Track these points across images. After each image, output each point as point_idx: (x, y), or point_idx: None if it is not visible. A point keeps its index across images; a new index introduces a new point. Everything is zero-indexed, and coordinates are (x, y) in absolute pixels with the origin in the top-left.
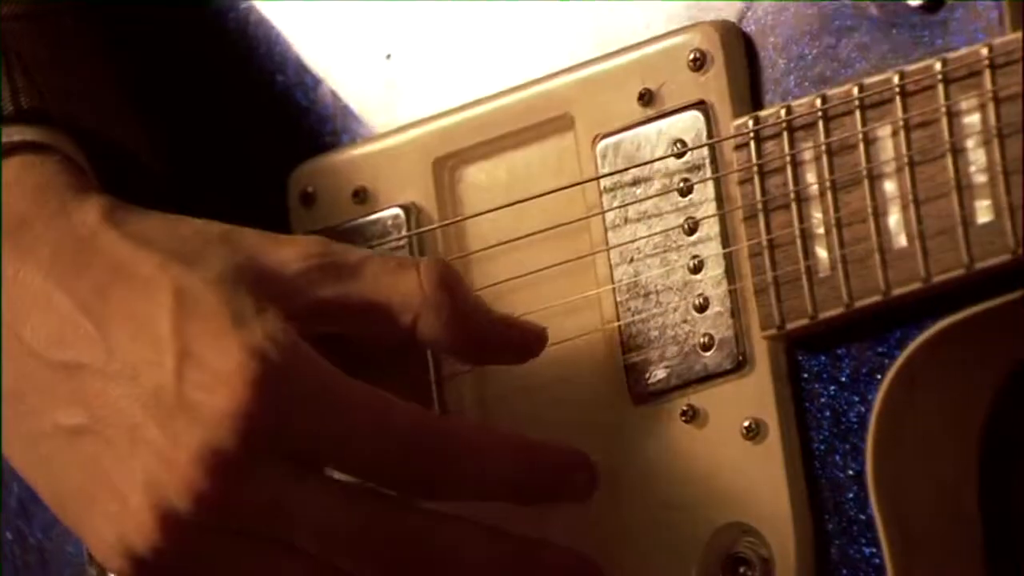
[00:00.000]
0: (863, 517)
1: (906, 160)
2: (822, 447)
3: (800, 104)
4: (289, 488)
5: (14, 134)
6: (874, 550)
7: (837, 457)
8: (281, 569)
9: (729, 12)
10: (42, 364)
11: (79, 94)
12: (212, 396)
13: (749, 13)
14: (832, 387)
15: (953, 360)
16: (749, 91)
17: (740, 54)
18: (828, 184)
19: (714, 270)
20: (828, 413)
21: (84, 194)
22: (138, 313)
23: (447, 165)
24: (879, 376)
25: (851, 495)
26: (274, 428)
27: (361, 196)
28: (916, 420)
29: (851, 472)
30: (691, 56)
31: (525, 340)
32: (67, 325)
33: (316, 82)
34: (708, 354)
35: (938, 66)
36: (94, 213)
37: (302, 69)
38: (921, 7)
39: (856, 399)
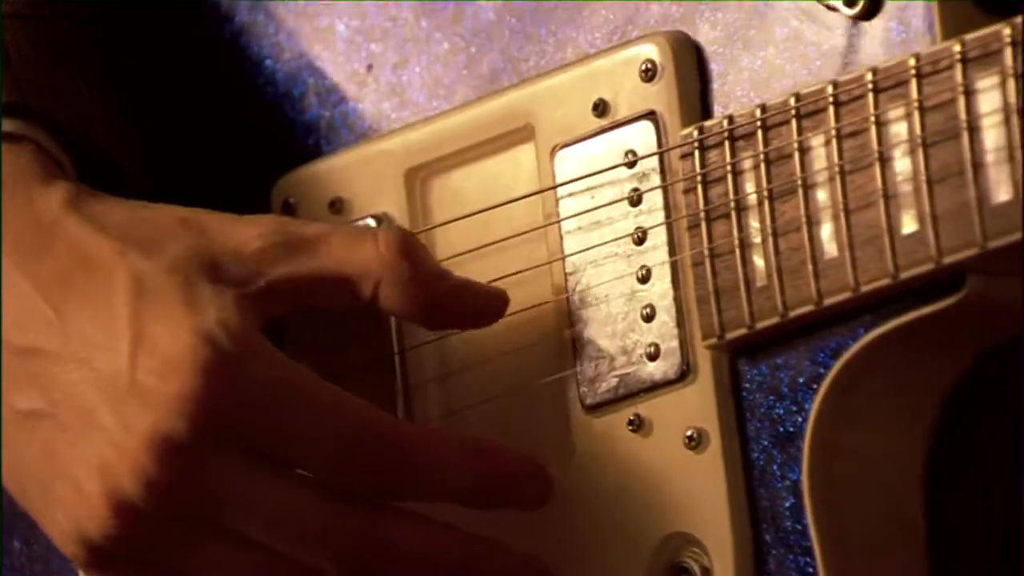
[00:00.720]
0: (799, 527)
1: (837, 169)
2: (762, 457)
3: (741, 114)
4: (241, 477)
5: None
6: (808, 559)
7: (776, 467)
8: (233, 559)
9: (683, 24)
10: (3, 349)
11: (60, 92)
12: (163, 381)
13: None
14: (772, 397)
15: (890, 368)
16: (699, 101)
17: (691, 65)
18: (765, 193)
19: (660, 279)
20: (768, 423)
21: (50, 182)
22: (95, 298)
23: (419, 176)
24: (816, 386)
25: (788, 504)
26: (224, 415)
27: (337, 206)
28: (856, 428)
29: (788, 482)
30: (643, 67)
31: (486, 303)
32: (27, 310)
33: (302, 94)
34: (654, 363)
35: (869, 76)
36: (57, 199)
37: (288, 81)
38: (856, 16)
39: (795, 409)
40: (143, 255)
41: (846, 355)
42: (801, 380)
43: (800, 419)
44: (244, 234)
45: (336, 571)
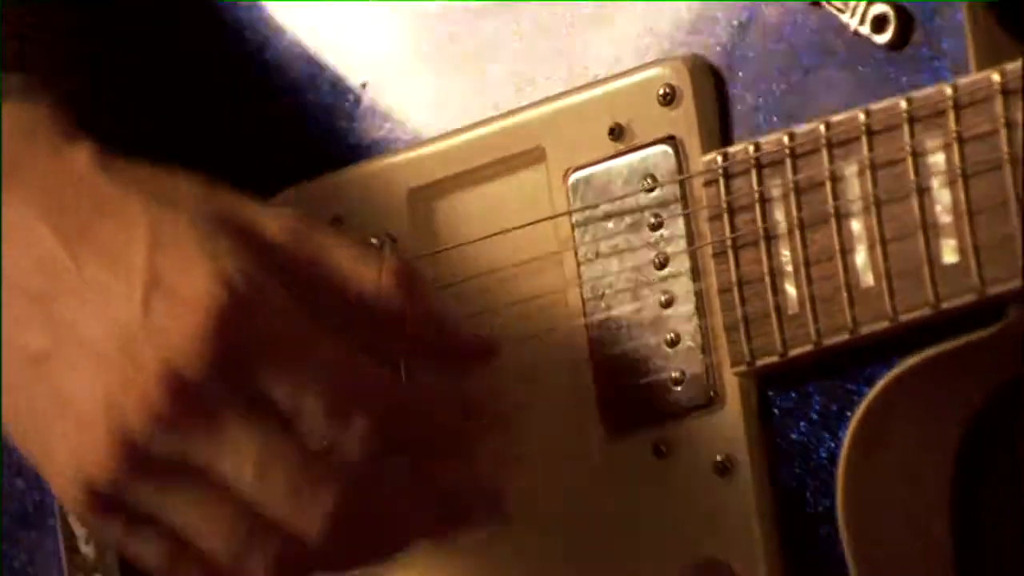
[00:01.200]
0: (833, 553)
1: (872, 199)
2: (793, 483)
3: (768, 141)
4: (243, 420)
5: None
6: None
7: (808, 494)
8: (215, 515)
9: (699, 47)
10: (17, 293)
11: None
12: (177, 321)
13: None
14: (803, 423)
15: (923, 395)
16: (719, 126)
17: (709, 89)
18: (796, 222)
19: (685, 305)
20: (799, 449)
21: (74, 138)
22: (115, 247)
23: (422, 196)
24: (849, 413)
25: (822, 532)
26: (235, 357)
27: (338, 225)
28: (887, 454)
29: (821, 508)
30: (661, 91)
31: (472, 350)
32: (46, 257)
33: (298, 111)
34: (679, 389)
35: (903, 104)
36: (84, 156)
37: (284, 98)
38: (887, 45)
39: (826, 436)
40: (166, 210)
41: (881, 383)
42: (834, 407)
43: (833, 445)
44: (264, 220)
45: (320, 529)
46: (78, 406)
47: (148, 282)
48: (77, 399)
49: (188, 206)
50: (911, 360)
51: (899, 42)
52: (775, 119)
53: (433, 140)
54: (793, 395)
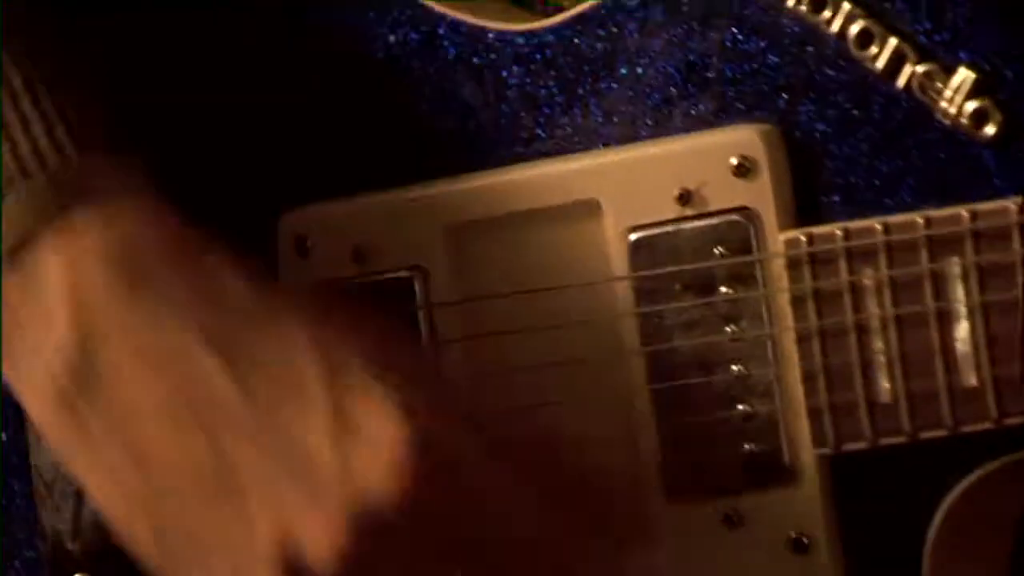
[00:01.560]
0: None
1: (979, 304)
2: (870, 565)
3: (859, 228)
4: (430, 564)
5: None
6: None
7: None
8: None
9: (776, 117)
10: (175, 419)
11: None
12: (368, 464)
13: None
14: (882, 504)
15: (1005, 486)
16: (794, 201)
17: (784, 161)
18: (893, 317)
19: (762, 384)
20: (877, 531)
21: (208, 250)
22: (286, 378)
23: (462, 233)
24: (934, 499)
25: None
26: (428, 504)
27: (362, 253)
28: (968, 540)
29: None
30: (734, 161)
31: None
32: (208, 383)
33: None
34: (753, 462)
35: (1013, 208)
36: (228, 271)
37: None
38: (991, 141)
39: (907, 519)
40: (330, 334)
41: (973, 475)
42: (918, 491)
43: (915, 529)
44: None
45: None
46: (250, 535)
47: (334, 421)
48: (249, 527)
49: (352, 339)
50: (1008, 458)
51: (1004, 138)
52: (855, 199)
53: (479, 175)
54: (875, 475)
